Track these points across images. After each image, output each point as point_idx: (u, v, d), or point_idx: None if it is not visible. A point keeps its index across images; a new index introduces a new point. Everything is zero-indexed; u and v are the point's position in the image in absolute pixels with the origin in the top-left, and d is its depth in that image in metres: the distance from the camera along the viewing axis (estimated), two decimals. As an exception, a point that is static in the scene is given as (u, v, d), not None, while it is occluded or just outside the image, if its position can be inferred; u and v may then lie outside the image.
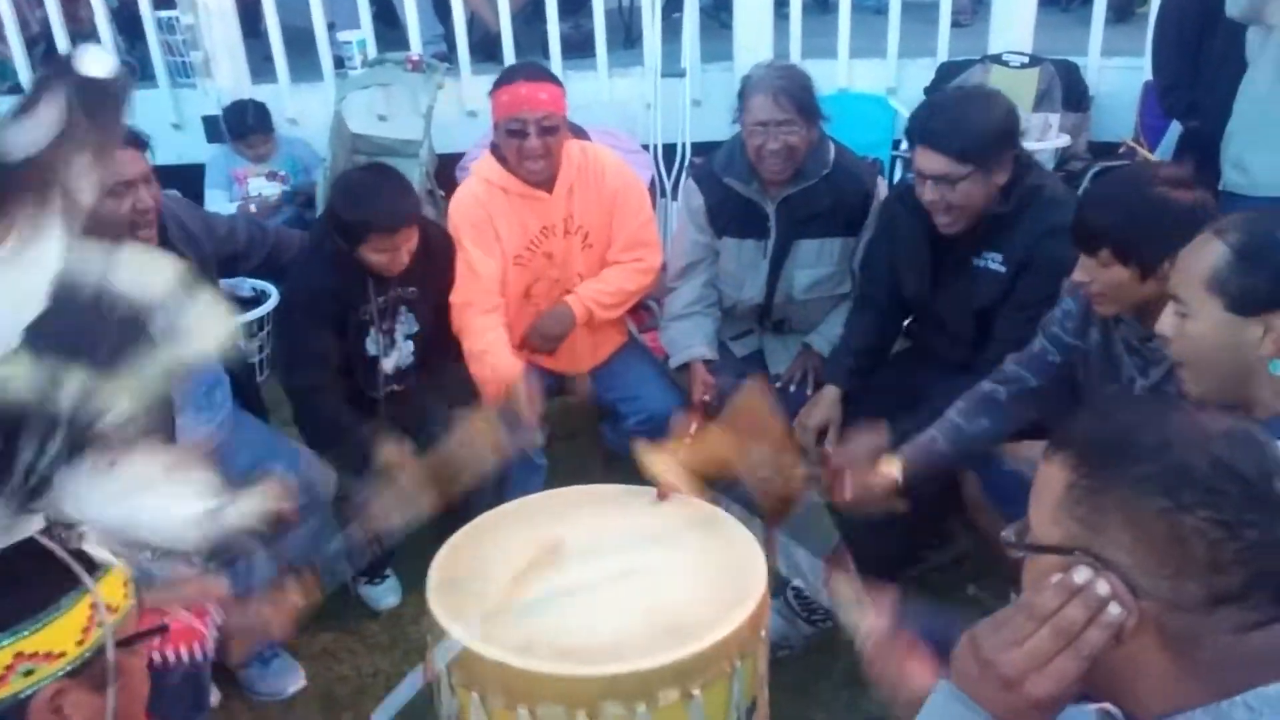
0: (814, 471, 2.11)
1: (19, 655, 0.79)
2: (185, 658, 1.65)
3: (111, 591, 0.86)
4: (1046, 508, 0.90)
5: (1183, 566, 0.81)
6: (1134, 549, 0.83)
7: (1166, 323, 1.46)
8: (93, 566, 0.85)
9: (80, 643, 0.82)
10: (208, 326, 0.87)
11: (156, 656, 1.45)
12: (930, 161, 2.19)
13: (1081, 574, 0.84)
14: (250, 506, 0.86)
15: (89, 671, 0.83)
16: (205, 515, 0.83)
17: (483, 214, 2.58)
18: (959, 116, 2.19)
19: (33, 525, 0.79)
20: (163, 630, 0.97)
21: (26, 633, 0.79)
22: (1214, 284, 1.38)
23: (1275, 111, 2.70)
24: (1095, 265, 1.77)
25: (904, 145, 3.89)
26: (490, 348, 2.52)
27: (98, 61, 0.94)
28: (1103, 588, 0.83)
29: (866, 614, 1.40)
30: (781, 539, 1.79)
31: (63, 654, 0.81)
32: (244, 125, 4.00)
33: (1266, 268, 1.36)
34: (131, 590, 0.95)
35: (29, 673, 0.80)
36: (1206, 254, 1.40)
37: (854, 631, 1.40)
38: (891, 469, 2.02)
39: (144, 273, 0.87)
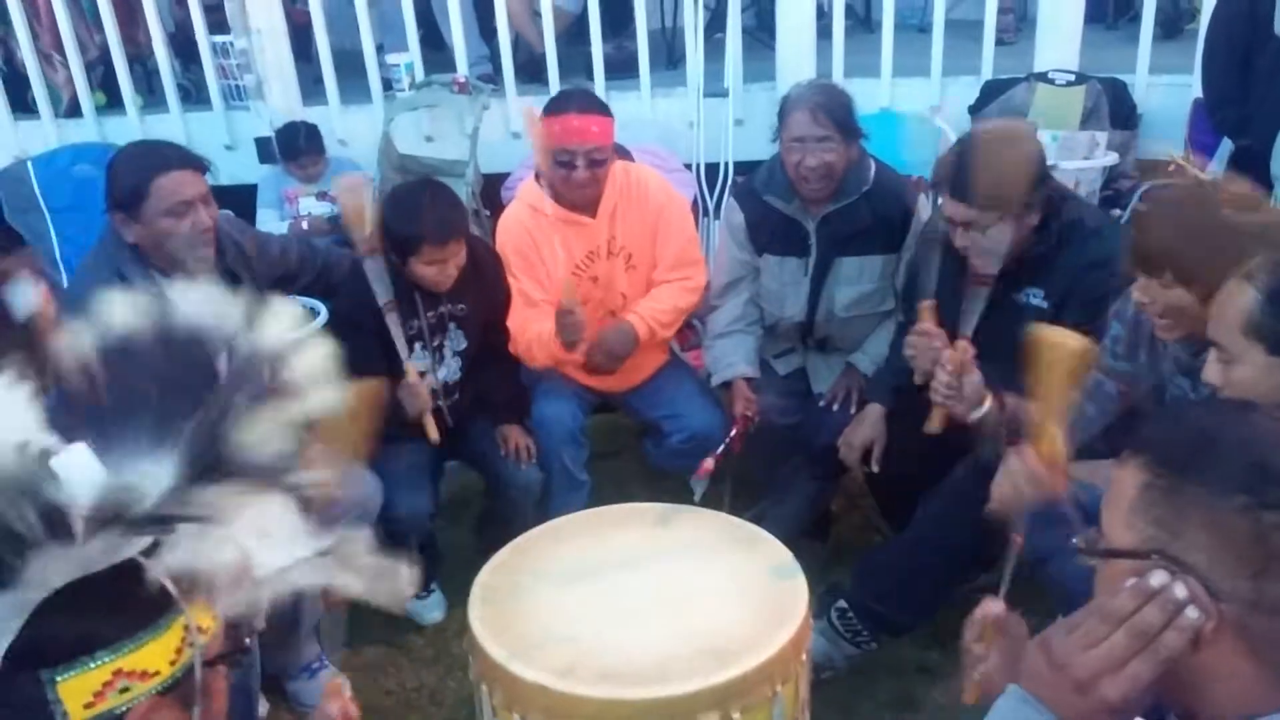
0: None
1: (118, 673, 0.81)
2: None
3: (202, 613, 0.89)
4: (1121, 512, 0.88)
5: (1265, 566, 0.80)
6: (1213, 550, 0.81)
7: (1213, 371, 1.44)
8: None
9: (173, 662, 0.84)
10: (324, 370, 0.89)
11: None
12: (957, 211, 2.18)
13: (1158, 577, 0.82)
14: (349, 550, 0.87)
15: (178, 690, 0.85)
16: (306, 566, 0.84)
17: (528, 241, 2.62)
18: (982, 164, 2.14)
19: (137, 546, 0.82)
20: (246, 651, 0.99)
21: (126, 651, 0.82)
22: (1251, 330, 1.37)
23: None
24: (1157, 286, 1.73)
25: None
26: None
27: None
28: (1180, 590, 0.81)
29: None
30: None
31: (157, 673, 0.83)
32: (296, 146, 4.08)
33: None
34: (220, 613, 0.97)
35: (125, 690, 0.82)
36: (1238, 301, 1.39)
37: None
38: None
39: (271, 319, 0.89)
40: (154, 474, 0.79)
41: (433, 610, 2.64)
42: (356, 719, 1.34)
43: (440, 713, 2.36)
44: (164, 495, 0.78)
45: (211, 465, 0.80)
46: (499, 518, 2.57)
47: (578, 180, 2.53)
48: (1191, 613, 0.81)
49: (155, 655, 0.83)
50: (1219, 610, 0.81)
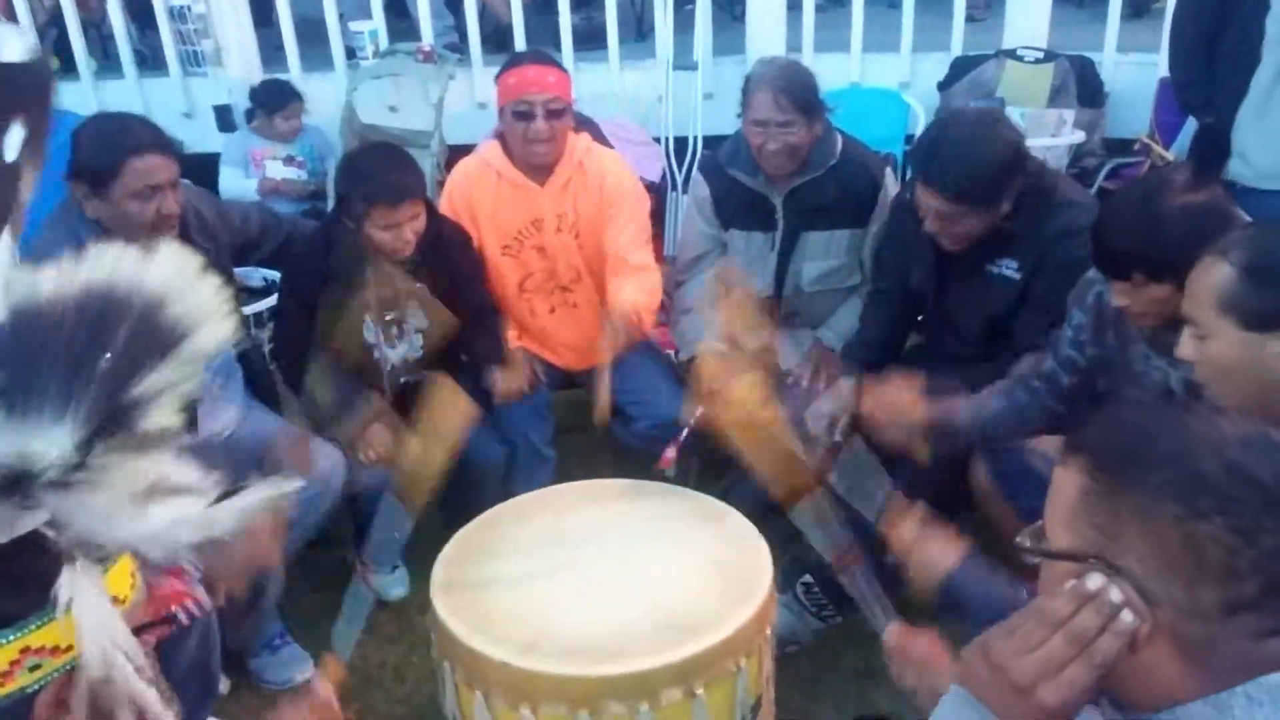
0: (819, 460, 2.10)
1: (25, 650, 0.79)
2: (188, 616, 1.60)
3: (118, 583, 0.86)
4: (1061, 513, 0.89)
5: (1198, 574, 0.80)
6: (1149, 556, 0.82)
7: (1187, 347, 1.45)
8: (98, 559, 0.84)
9: None
10: (217, 316, 0.86)
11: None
12: (930, 199, 2.17)
13: (1094, 580, 0.83)
14: (253, 501, 0.84)
15: None
16: (203, 517, 0.81)
17: (465, 194, 2.60)
18: (958, 156, 2.13)
19: (37, 519, 0.79)
20: (172, 621, 0.96)
21: (33, 628, 0.79)
22: (1226, 305, 1.37)
23: (1276, 103, 2.72)
24: (1131, 289, 1.74)
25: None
26: None
27: (12, 45, 0.89)
28: (1116, 595, 0.82)
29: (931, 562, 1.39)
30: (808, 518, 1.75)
31: (69, 648, 0.81)
32: (282, 96, 3.99)
33: (1274, 284, 1.35)
34: (139, 581, 0.94)
35: (35, 668, 0.79)
36: (1214, 276, 1.39)
37: (876, 619, 1.41)
38: (922, 408, 2.01)
39: (159, 265, 0.86)
40: (53, 438, 0.75)
41: (396, 586, 2.62)
42: (338, 714, 1.31)
43: (403, 690, 2.34)
44: (63, 458, 0.75)
45: (110, 424, 0.77)
46: (463, 494, 2.54)
47: (537, 132, 2.47)
48: (1127, 617, 0.82)
49: (65, 630, 0.80)
50: (1154, 615, 0.82)
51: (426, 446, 1.85)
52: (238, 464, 0.90)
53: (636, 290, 2.52)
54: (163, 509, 0.80)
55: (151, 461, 0.80)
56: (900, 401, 2.01)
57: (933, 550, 1.48)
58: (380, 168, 2.33)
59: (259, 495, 0.84)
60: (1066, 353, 2.00)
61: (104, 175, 2.05)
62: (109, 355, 0.78)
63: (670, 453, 2.33)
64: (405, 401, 2.57)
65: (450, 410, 1.92)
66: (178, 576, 1.64)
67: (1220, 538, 0.79)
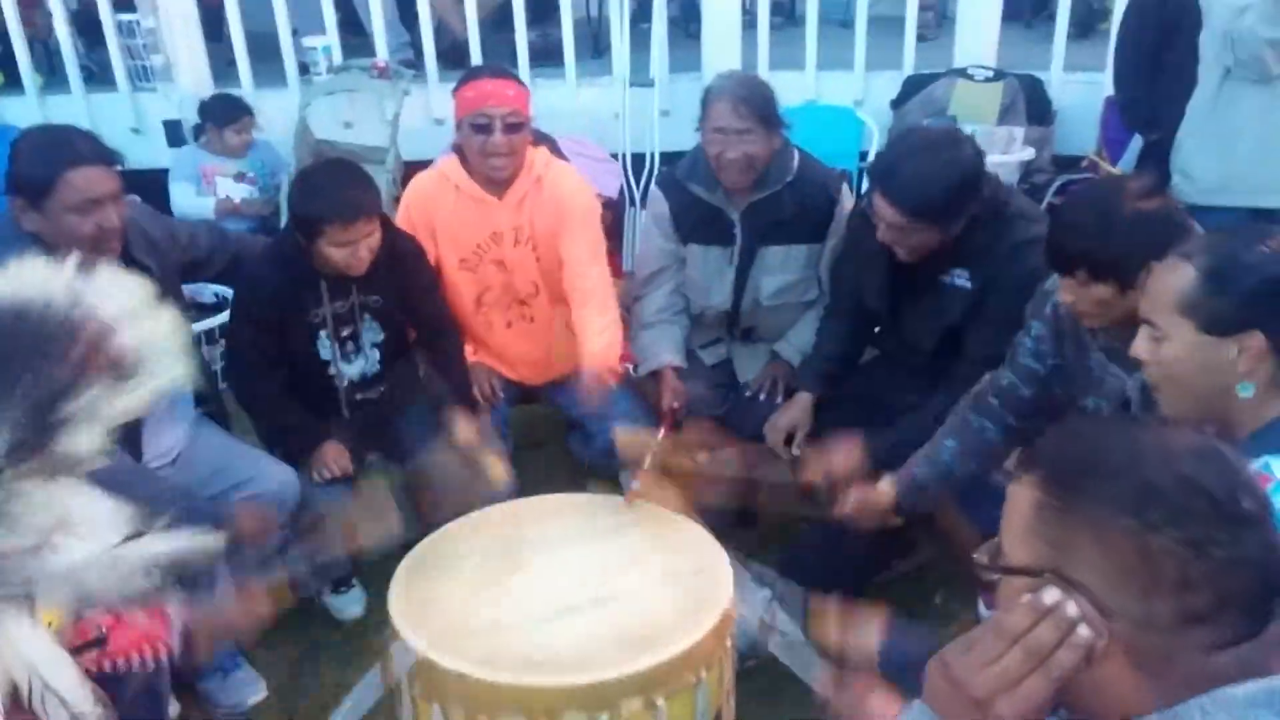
0: (787, 481, 2.11)
1: None
2: (140, 663, 1.58)
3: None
4: (1016, 529, 0.89)
5: (1152, 586, 0.81)
6: (1103, 569, 0.83)
7: (1141, 347, 1.46)
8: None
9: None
10: (173, 347, 0.83)
11: (108, 664, 1.39)
12: (886, 212, 2.19)
13: (1050, 595, 0.83)
14: (167, 550, 0.81)
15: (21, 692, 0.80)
16: (109, 558, 0.78)
17: (421, 207, 2.58)
18: (917, 173, 2.15)
19: None
20: (100, 643, 0.93)
21: None
22: (1185, 307, 1.38)
23: (1217, 120, 2.80)
24: (1075, 285, 1.77)
25: (870, 157, 3.93)
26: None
27: None
28: (1072, 609, 0.83)
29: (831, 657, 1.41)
30: (754, 569, 1.79)
31: None
32: (232, 110, 3.94)
33: (1235, 289, 1.36)
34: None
35: None
36: (1175, 278, 1.40)
37: (806, 674, 1.41)
38: (889, 488, 2.05)
39: (110, 292, 0.83)
40: None
41: (352, 605, 2.58)
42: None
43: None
44: None
45: (26, 447, 0.74)
46: (420, 509, 2.51)
47: (495, 145, 2.46)
48: (1083, 631, 0.82)
49: None
50: (1110, 628, 0.83)
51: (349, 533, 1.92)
52: (174, 490, 0.87)
53: (602, 335, 2.53)
54: (69, 547, 0.77)
55: (62, 492, 0.77)
56: (869, 498, 2.06)
57: (857, 636, 1.48)
58: (335, 185, 2.30)
59: (173, 545, 0.81)
60: (1025, 363, 2.02)
61: (41, 188, 1.99)
62: (34, 375, 0.75)
63: (635, 485, 2.30)
64: (362, 418, 2.54)
65: (376, 517, 2.00)
66: (158, 619, 1.61)
67: (1172, 550, 0.80)
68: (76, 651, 0.87)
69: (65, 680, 0.75)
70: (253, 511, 2.05)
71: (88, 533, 0.78)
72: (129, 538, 0.80)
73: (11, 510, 0.74)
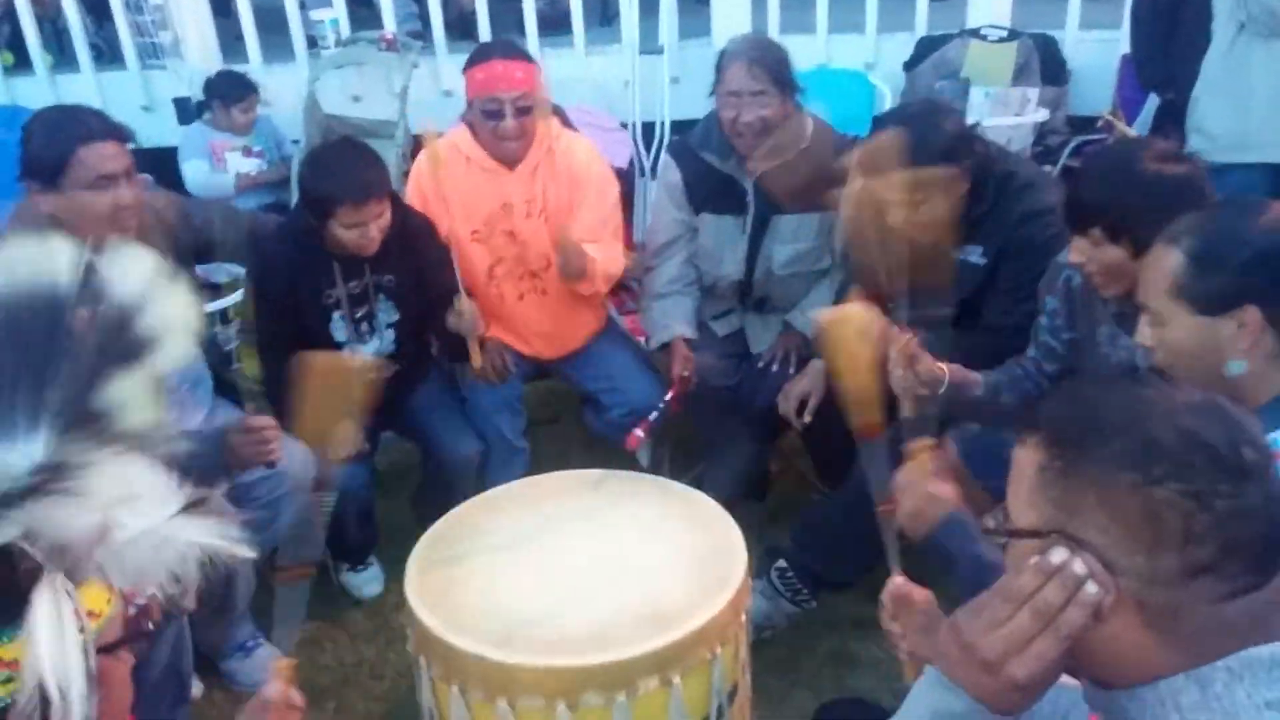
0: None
1: None
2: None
3: (94, 598, 0.84)
4: (1022, 492, 0.90)
5: (1157, 540, 0.82)
6: (1108, 527, 0.83)
7: (1145, 334, 1.47)
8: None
9: None
10: (182, 320, 0.84)
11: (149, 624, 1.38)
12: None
13: (1058, 554, 0.84)
14: (214, 542, 0.82)
15: None
16: (166, 530, 0.80)
17: (431, 186, 2.57)
18: (903, 130, 2.13)
19: (10, 532, 0.77)
20: (148, 635, 0.95)
21: (5, 641, 0.78)
22: (1177, 291, 1.39)
23: (1231, 77, 2.76)
24: (1088, 245, 1.75)
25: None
26: None
27: None
28: (1079, 567, 0.83)
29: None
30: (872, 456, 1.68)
31: None
32: (238, 88, 3.93)
33: (1223, 266, 1.36)
34: (116, 596, 0.93)
35: (9, 680, 0.78)
36: (1164, 263, 1.40)
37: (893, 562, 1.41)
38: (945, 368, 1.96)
39: (124, 268, 0.84)
40: (24, 449, 0.74)
41: (371, 584, 2.61)
42: (300, 706, 1.30)
43: (380, 686, 2.33)
44: (35, 468, 0.73)
45: (77, 431, 0.75)
46: (436, 489, 2.53)
47: (506, 131, 2.47)
48: (1090, 589, 0.83)
49: None
50: (1117, 585, 0.83)
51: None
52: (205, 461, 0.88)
53: (598, 250, 2.55)
54: (130, 520, 0.78)
55: (124, 466, 0.78)
56: (928, 365, 1.93)
57: (925, 500, 1.50)
58: (345, 166, 2.30)
59: (210, 536, 0.82)
60: (1045, 340, 2.02)
61: (54, 167, 2.00)
62: (74, 361, 0.76)
63: (639, 432, 2.32)
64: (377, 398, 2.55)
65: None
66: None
67: (1176, 503, 0.81)
68: (123, 644, 0.88)
69: (76, 689, 0.77)
70: (248, 430, 1.99)
71: (148, 507, 0.79)
72: (177, 513, 0.81)
73: (78, 487, 0.75)
